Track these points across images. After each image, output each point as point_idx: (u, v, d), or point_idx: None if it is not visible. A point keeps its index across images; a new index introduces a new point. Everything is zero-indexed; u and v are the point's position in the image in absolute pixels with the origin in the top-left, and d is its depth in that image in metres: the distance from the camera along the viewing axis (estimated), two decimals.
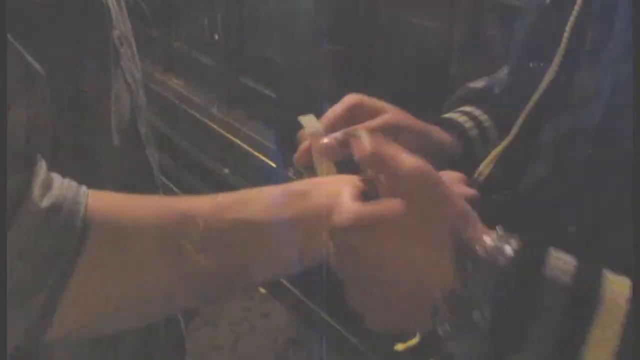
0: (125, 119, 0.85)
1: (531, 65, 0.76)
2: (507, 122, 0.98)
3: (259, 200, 0.72)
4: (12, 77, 0.64)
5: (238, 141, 3.27)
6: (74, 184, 0.68)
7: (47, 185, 0.66)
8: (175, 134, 3.43)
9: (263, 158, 3.14)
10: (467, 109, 0.98)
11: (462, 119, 0.96)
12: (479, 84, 1.01)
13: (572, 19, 0.72)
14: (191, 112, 3.46)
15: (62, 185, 0.67)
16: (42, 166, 0.67)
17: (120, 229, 0.67)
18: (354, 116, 0.86)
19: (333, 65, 2.72)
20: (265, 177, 3.12)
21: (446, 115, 0.97)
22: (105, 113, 0.80)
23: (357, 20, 2.63)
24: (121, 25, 0.87)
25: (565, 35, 0.72)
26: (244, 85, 3.34)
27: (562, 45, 0.72)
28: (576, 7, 0.71)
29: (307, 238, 0.71)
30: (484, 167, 0.84)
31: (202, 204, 0.71)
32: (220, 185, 3.26)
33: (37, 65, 0.66)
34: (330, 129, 0.83)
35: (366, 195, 0.69)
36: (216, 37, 3.42)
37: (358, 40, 2.65)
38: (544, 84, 0.73)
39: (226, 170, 3.28)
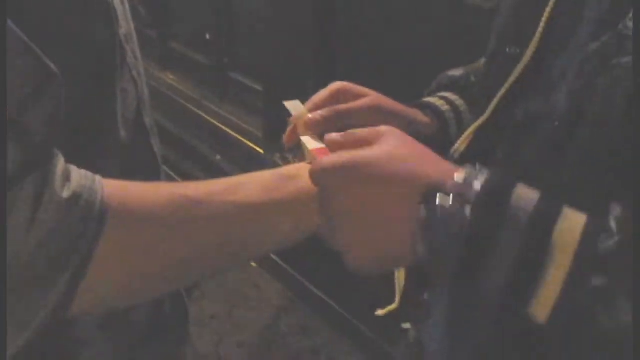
0: (132, 112, 0.83)
1: (508, 50, 0.75)
2: (480, 106, 0.97)
3: (255, 184, 0.72)
4: (31, 78, 0.62)
5: (228, 130, 3.25)
6: (89, 174, 0.67)
7: (66, 176, 0.65)
8: (171, 125, 3.40)
9: (251, 145, 3.13)
10: (445, 94, 0.97)
11: (439, 102, 0.95)
12: (457, 72, 0.99)
13: (548, 9, 0.70)
14: (186, 105, 3.44)
15: (79, 176, 0.66)
16: (60, 159, 0.66)
17: (135, 214, 0.66)
18: (338, 100, 0.84)
19: (317, 61, 2.70)
20: (253, 162, 3.10)
21: (425, 100, 0.96)
22: (113, 107, 0.78)
23: (342, 15, 2.61)
24: (125, 24, 0.85)
25: (541, 24, 0.70)
26: (234, 80, 3.32)
27: (538, 34, 0.70)
28: None
29: (299, 216, 0.71)
30: (459, 144, 0.83)
31: (205, 189, 0.71)
32: (213, 170, 3.25)
33: (52, 66, 0.64)
34: (315, 110, 0.82)
35: None
36: (208, 36, 3.40)
37: (342, 36, 2.63)
38: (518, 69, 0.72)
39: (218, 157, 3.26)
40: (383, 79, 2.56)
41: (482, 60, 1.04)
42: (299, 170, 0.73)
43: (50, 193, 0.62)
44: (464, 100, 0.96)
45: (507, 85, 0.73)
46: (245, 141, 3.15)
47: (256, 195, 0.70)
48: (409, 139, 0.66)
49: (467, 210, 0.60)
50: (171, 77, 3.60)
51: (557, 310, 0.60)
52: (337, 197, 0.65)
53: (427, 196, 0.62)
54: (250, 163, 3.11)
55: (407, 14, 2.37)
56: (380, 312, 0.99)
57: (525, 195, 0.61)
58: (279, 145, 3.35)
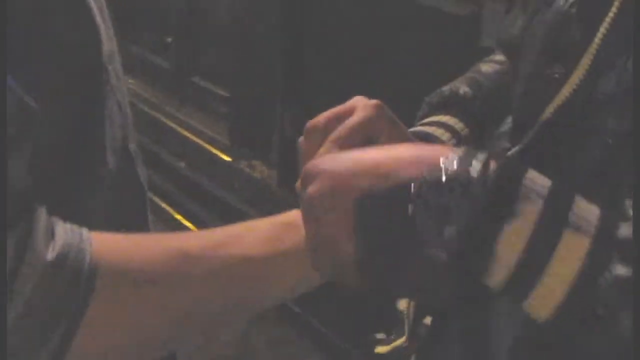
0: (118, 139, 0.75)
1: (549, 72, 0.68)
2: (485, 124, 0.90)
3: (255, 235, 0.66)
4: (9, 122, 0.54)
5: (193, 137, 3.17)
6: (75, 228, 0.59)
7: (50, 234, 0.57)
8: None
9: (217, 152, 3.05)
10: (442, 118, 0.89)
11: (438, 132, 0.86)
12: (461, 89, 0.91)
13: (606, 24, 0.64)
14: (148, 111, 3.35)
15: (65, 233, 0.58)
16: (41, 213, 0.57)
17: (127, 275, 0.60)
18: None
19: (286, 65, 2.63)
20: (219, 170, 3.03)
21: (425, 130, 0.86)
22: (100, 136, 0.70)
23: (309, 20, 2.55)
24: (108, 42, 0.76)
25: (596, 41, 0.64)
26: (197, 85, 3.24)
27: (591, 52, 0.64)
28: (610, 15, 0.63)
29: (303, 267, 0.65)
30: None
31: (202, 242, 0.65)
32: (177, 178, 3.16)
33: (32, 103, 0.56)
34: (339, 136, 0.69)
35: None
36: (169, 40, 3.32)
37: (312, 38, 2.57)
38: (566, 90, 0.65)
39: (182, 164, 3.18)
40: (354, 84, 2.50)
41: (481, 70, 0.96)
42: (298, 217, 0.67)
43: (31, 255, 0.55)
44: (463, 122, 0.88)
45: (551, 109, 0.67)
46: (211, 148, 3.07)
47: (258, 247, 0.64)
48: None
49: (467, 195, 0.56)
50: (132, 81, 3.50)
51: (567, 303, 0.55)
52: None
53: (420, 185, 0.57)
54: (217, 170, 3.03)
55: (378, 17, 2.32)
56: (382, 350, 0.92)
57: (538, 179, 0.57)
58: (245, 152, 3.27)
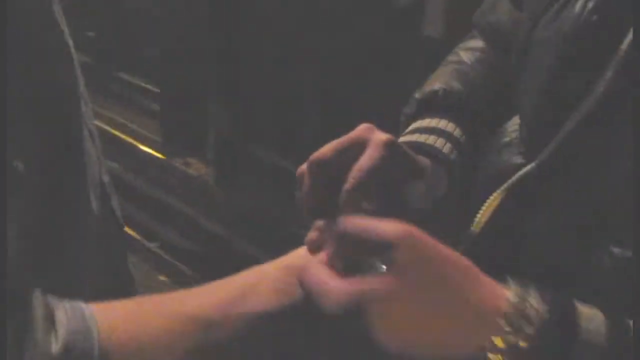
0: (96, 177, 0.67)
1: (566, 84, 0.63)
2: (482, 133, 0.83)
3: (265, 287, 0.61)
4: None
5: (122, 135, 3.05)
6: (76, 307, 0.52)
7: (50, 322, 0.50)
8: None
9: (149, 150, 2.95)
10: (438, 124, 0.82)
11: (438, 142, 0.79)
12: (454, 87, 0.81)
13: (626, 41, 0.59)
14: None
15: (66, 317, 0.51)
16: (37, 297, 0.50)
17: (137, 350, 0.54)
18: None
19: (219, 59, 2.55)
20: (153, 169, 2.92)
21: (421, 141, 0.80)
22: (82, 183, 0.63)
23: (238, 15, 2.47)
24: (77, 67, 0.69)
25: (620, 50, 0.59)
26: (124, 81, 3.12)
27: (616, 60, 0.59)
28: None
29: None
30: (483, 215, 0.70)
31: (211, 303, 0.59)
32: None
33: (20, 167, 0.49)
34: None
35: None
36: (89, 34, 3.18)
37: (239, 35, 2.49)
38: (587, 104, 0.60)
39: (114, 165, 3.05)
40: (288, 76, 2.44)
41: (464, 60, 0.89)
42: (306, 259, 0.61)
43: (33, 352, 0.47)
44: (460, 127, 0.82)
45: (574, 122, 0.62)
46: (142, 146, 2.96)
47: (270, 301, 0.60)
48: (432, 248, 0.53)
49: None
50: None
51: None
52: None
53: None
54: (150, 169, 2.93)
55: (315, 9, 2.27)
56: None
57: (592, 316, 0.53)
58: (180, 150, 3.15)
